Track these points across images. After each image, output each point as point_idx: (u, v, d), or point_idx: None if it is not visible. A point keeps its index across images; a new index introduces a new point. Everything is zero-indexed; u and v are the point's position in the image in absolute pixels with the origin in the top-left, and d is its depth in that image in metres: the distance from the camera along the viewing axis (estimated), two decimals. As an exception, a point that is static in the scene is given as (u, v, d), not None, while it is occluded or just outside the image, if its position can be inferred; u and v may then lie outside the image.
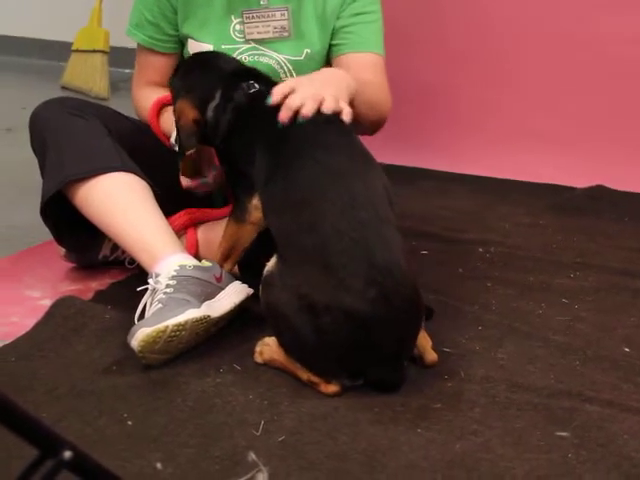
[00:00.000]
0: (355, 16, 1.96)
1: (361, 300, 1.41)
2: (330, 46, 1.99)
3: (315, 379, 1.49)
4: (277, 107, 1.61)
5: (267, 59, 1.93)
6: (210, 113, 1.70)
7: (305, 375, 1.50)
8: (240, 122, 1.69)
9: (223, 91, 1.71)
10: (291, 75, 1.95)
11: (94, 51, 3.84)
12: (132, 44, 2.04)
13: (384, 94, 1.96)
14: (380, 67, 1.99)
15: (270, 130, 1.61)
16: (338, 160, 1.54)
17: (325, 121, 1.59)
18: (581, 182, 2.75)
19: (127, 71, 3.88)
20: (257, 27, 1.91)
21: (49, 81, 3.86)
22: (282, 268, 1.49)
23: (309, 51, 1.94)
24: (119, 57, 3.87)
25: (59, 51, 4.02)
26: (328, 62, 2.01)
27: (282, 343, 1.52)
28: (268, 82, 1.73)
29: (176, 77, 1.81)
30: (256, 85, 1.70)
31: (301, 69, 1.93)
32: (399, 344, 1.48)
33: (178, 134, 1.72)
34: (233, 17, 1.92)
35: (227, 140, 1.71)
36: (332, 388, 1.48)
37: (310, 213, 1.49)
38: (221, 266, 1.71)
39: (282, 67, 1.94)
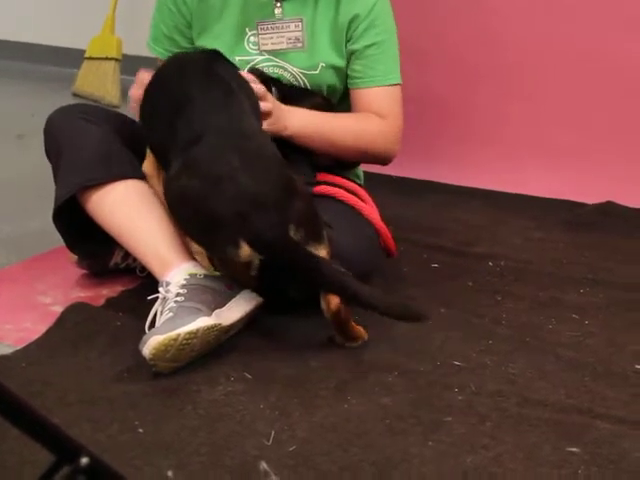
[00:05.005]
0: (369, 47, 1.94)
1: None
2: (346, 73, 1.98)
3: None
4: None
5: (282, 71, 1.92)
6: None
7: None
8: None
9: None
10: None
11: (107, 58, 3.85)
12: (145, 52, 2.05)
13: (383, 143, 1.97)
14: (392, 99, 1.98)
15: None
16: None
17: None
18: (592, 198, 2.74)
19: (139, 79, 3.89)
20: (271, 38, 1.92)
21: (61, 88, 3.87)
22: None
23: (324, 64, 1.93)
24: (131, 65, 3.88)
25: (72, 58, 4.02)
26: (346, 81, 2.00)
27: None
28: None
29: None
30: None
31: (317, 82, 1.93)
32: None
33: None
34: (247, 29, 1.93)
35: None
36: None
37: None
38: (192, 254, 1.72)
39: (297, 80, 1.93)
